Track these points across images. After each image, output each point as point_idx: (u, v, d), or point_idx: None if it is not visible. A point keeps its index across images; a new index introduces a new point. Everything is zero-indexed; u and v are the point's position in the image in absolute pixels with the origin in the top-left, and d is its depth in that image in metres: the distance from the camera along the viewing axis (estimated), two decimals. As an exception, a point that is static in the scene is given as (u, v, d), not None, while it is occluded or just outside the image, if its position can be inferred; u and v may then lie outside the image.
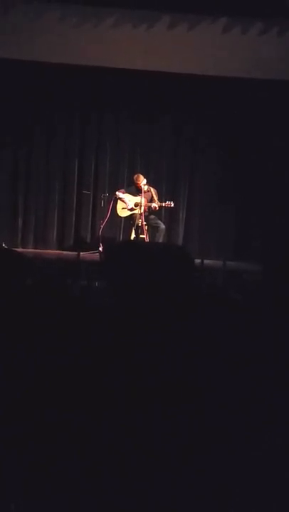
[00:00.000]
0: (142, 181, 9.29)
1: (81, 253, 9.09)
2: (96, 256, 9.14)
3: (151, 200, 9.36)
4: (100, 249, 9.23)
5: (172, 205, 9.47)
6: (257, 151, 9.91)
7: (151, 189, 9.45)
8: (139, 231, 9.26)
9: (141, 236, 9.25)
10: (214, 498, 1.96)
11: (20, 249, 9.30)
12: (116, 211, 9.49)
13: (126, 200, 9.37)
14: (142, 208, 9.21)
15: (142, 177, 9.35)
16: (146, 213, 9.31)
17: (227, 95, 9.65)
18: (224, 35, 9.04)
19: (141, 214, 9.22)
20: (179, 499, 1.95)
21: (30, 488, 2.00)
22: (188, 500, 1.96)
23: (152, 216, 9.46)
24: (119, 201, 9.44)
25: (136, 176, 9.45)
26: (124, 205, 9.41)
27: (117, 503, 1.95)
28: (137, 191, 9.34)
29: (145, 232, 9.27)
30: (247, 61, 8.99)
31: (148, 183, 9.41)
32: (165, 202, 9.42)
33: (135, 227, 9.28)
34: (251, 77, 9.06)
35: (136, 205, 9.33)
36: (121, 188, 9.64)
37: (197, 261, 8.25)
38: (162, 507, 1.95)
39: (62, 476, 1.98)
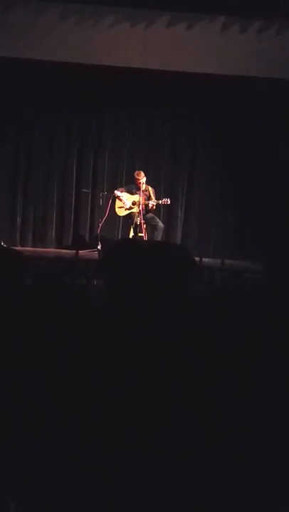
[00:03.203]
0: (143, 178, 9.30)
1: (80, 251, 9.10)
2: (95, 254, 9.14)
3: (149, 199, 9.36)
4: (99, 247, 9.23)
5: (169, 202, 9.48)
6: (256, 149, 9.90)
7: (149, 188, 9.45)
8: (138, 229, 9.27)
9: (139, 234, 9.25)
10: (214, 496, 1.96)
11: (19, 248, 9.31)
12: (114, 210, 9.49)
13: (124, 198, 9.37)
14: (140, 206, 9.21)
15: (142, 174, 9.35)
16: (144, 212, 9.31)
17: (227, 94, 9.63)
18: (223, 34, 9.03)
19: (139, 212, 9.22)
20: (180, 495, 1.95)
21: (30, 487, 2.00)
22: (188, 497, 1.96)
23: (150, 214, 9.46)
24: (117, 200, 9.44)
25: (137, 172, 9.45)
26: (121, 204, 9.41)
27: (116, 503, 1.95)
28: (136, 189, 9.34)
29: (144, 230, 9.27)
30: (246, 60, 8.97)
31: (147, 182, 9.41)
32: (162, 199, 9.43)
33: (134, 225, 9.28)
34: (251, 76, 9.05)
35: (134, 203, 9.32)
36: (120, 187, 9.64)
37: (195, 259, 8.25)
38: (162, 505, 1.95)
39: (62, 476, 1.98)
